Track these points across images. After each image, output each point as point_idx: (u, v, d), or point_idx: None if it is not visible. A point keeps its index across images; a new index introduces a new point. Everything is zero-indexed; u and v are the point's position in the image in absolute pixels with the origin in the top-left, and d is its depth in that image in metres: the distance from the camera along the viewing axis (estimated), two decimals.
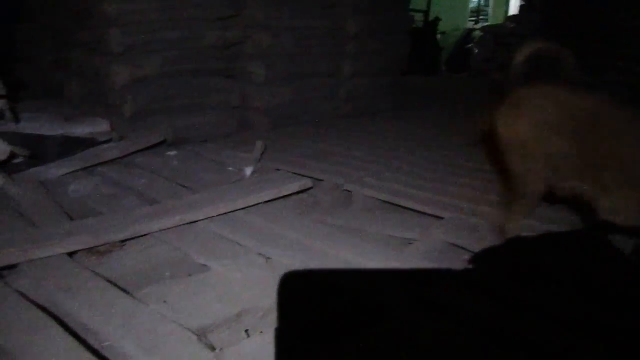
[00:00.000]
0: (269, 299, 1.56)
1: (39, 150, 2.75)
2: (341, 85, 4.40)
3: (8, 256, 1.76)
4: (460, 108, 4.83)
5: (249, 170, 2.77)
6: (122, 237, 1.97)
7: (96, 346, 1.35)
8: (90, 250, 1.90)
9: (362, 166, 2.91)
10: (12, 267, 1.76)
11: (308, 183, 2.53)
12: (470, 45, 8.88)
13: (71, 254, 1.85)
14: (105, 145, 2.95)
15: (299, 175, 2.64)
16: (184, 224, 2.10)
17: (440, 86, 6.99)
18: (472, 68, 8.22)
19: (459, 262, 1.86)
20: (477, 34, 9.09)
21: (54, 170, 2.61)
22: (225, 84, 3.78)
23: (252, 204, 2.31)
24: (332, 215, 2.31)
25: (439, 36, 9.44)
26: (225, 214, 2.21)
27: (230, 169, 2.86)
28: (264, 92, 3.86)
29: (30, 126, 2.89)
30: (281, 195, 2.42)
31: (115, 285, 1.65)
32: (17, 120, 2.92)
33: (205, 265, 1.82)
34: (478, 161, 2.79)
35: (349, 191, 2.57)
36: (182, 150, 3.18)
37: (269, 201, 2.36)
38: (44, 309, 1.49)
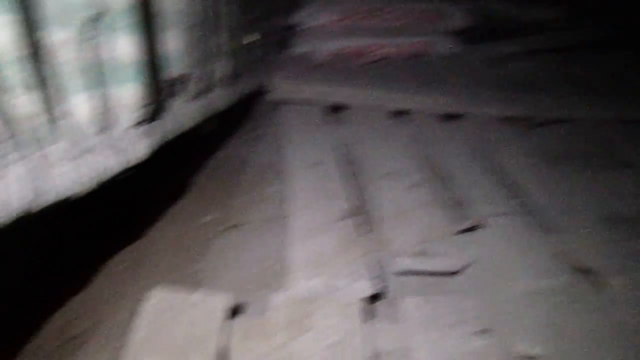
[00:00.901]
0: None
1: (489, 27, 2.95)
2: None
3: (451, 106, 2.08)
4: None
5: None
6: (554, 116, 2.03)
7: (513, 197, 1.49)
8: (520, 121, 2.03)
9: None
10: (456, 117, 2.05)
11: None
12: None
13: (502, 119, 2.04)
14: (551, 33, 2.93)
15: None
16: None
17: None
18: None
19: None
20: None
21: (501, 48, 2.77)
22: None
23: None
24: None
25: None
26: None
27: None
28: None
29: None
30: None
31: (536, 156, 1.75)
32: None
33: None
34: None
35: None
36: None
37: None
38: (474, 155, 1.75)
